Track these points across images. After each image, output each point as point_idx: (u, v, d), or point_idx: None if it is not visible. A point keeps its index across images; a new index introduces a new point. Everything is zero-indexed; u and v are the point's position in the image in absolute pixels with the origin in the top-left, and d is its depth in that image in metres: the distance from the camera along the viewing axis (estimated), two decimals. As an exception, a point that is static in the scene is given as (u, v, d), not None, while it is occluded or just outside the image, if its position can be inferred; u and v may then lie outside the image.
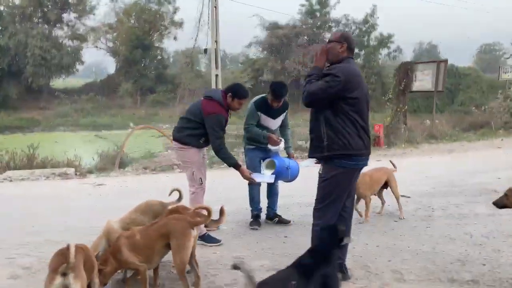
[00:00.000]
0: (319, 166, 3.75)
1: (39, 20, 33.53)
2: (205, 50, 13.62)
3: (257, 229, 5.13)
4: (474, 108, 21.36)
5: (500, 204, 3.78)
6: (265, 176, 4.84)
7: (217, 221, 3.74)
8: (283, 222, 5.30)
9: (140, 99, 34.54)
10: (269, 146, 4.94)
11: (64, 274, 2.58)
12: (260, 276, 2.92)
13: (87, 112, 30.59)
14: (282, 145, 4.94)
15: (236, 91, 4.57)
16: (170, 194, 4.24)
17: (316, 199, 3.62)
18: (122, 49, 34.88)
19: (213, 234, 4.69)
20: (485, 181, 7.20)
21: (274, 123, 5.08)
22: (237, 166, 4.54)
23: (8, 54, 31.19)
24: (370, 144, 3.60)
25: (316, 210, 3.60)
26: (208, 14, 13.12)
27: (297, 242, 4.63)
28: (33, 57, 30.97)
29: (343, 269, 3.71)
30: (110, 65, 40.91)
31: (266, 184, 5.15)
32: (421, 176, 8.16)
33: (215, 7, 12.84)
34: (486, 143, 12.36)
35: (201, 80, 35.74)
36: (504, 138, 13.28)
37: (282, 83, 5.05)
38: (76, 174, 10.01)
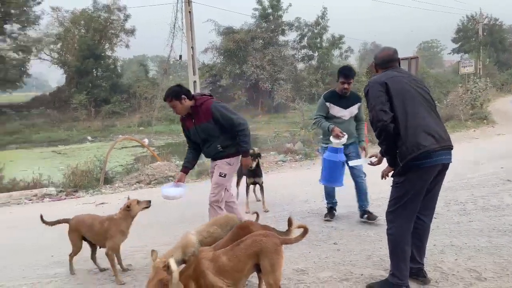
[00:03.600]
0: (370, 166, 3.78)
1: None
2: (180, 57, 13.19)
3: (330, 220, 5.43)
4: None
5: None
6: (173, 191, 4.44)
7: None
8: (371, 218, 5.26)
9: (94, 110, 33.16)
10: (331, 139, 4.96)
11: None
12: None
13: (39, 128, 28.86)
14: (344, 139, 4.94)
15: None
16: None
17: (389, 201, 3.50)
18: (73, 59, 33.27)
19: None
20: (492, 171, 7.39)
21: (345, 113, 5.14)
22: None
23: None
24: (448, 136, 3.47)
25: (389, 212, 3.47)
26: (182, 19, 12.71)
27: (350, 248, 4.49)
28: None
29: (423, 274, 3.61)
30: (52, 77, 38.87)
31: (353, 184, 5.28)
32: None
33: (190, 12, 12.45)
34: (462, 135, 12.81)
35: (157, 88, 34.87)
36: (475, 129, 13.86)
37: (349, 66, 5.50)
38: (57, 194, 9.30)
